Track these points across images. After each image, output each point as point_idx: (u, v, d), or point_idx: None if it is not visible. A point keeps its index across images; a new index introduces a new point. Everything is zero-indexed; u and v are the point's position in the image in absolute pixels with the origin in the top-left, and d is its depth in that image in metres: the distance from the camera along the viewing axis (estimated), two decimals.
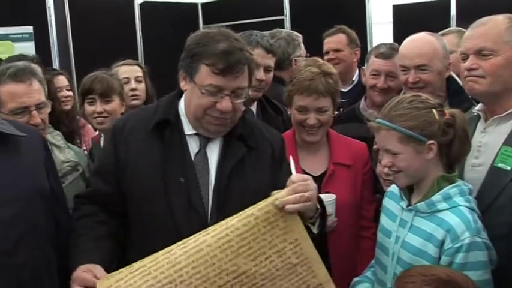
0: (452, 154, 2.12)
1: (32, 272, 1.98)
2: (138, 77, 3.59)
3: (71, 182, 2.62)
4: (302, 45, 3.90)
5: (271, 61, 3.10)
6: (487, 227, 2.05)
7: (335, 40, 4.29)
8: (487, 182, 2.20)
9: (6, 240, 1.91)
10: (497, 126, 2.26)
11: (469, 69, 2.26)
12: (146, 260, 1.90)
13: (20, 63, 2.59)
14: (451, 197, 2.07)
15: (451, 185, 2.09)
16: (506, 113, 2.22)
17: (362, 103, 3.26)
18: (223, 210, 2.10)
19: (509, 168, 2.13)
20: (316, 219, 2.11)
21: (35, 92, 2.48)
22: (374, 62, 3.15)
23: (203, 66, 2.08)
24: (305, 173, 2.62)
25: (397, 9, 7.28)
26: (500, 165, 2.16)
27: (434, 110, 2.08)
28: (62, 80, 3.84)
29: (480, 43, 2.23)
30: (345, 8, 6.64)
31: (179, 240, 1.93)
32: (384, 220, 2.33)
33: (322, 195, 2.52)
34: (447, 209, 2.05)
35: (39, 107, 2.50)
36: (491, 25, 2.24)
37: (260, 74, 2.98)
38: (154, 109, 2.27)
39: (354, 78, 4.31)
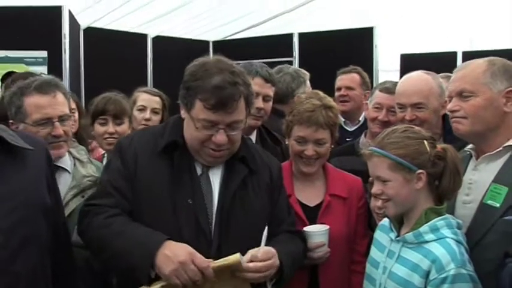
0: (443, 187, 2.16)
1: (28, 281, 1.99)
2: (155, 108, 3.56)
3: None
4: (308, 83, 3.94)
5: (270, 90, 3.17)
6: (476, 263, 2.09)
7: (349, 78, 4.39)
8: (476, 219, 2.23)
9: (6, 249, 1.92)
10: (488, 164, 2.30)
11: (452, 111, 2.34)
12: None
13: (45, 76, 2.67)
14: (438, 228, 2.10)
15: (439, 218, 2.13)
16: (495, 151, 2.28)
17: (362, 138, 3.32)
18: (227, 230, 2.17)
19: (498, 205, 2.16)
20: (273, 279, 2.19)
21: (58, 104, 2.53)
22: (378, 96, 3.23)
23: (197, 100, 2.13)
24: (301, 203, 2.69)
25: (405, 58, 7.43)
26: (489, 202, 2.20)
27: (425, 141, 2.14)
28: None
29: (460, 85, 2.31)
30: (353, 54, 6.75)
31: None
32: (373, 252, 2.36)
33: (316, 226, 2.58)
34: (434, 240, 2.09)
35: (62, 119, 2.53)
36: (470, 68, 2.33)
37: (259, 103, 3.05)
38: (161, 130, 2.31)
39: (360, 119, 4.36)
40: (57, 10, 5.29)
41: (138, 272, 2.01)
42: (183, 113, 2.24)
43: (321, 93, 2.80)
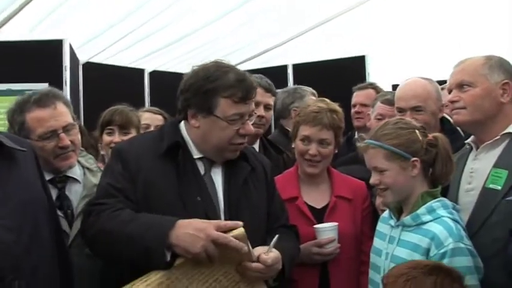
0: (436, 173, 2.27)
1: (43, 276, 2.01)
2: (158, 125, 3.62)
3: None
4: (307, 98, 3.96)
5: (270, 100, 3.34)
6: (480, 246, 2.16)
7: (363, 94, 4.37)
8: (479, 203, 2.32)
9: (19, 245, 1.92)
10: (487, 152, 2.40)
11: (452, 102, 2.47)
12: None
13: (43, 89, 2.63)
14: (434, 209, 2.20)
15: (435, 200, 2.23)
16: (493, 139, 2.38)
17: None
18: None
19: (499, 187, 2.25)
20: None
21: (61, 114, 2.50)
22: (379, 107, 3.38)
23: (221, 99, 2.19)
24: (308, 205, 2.76)
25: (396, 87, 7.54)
26: (491, 186, 2.29)
27: (417, 131, 2.27)
28: None
29: (460, 77, 2.45)
30: (346, 82, 6.89)
31: None
32: (375, 242, 2.45)
33: (325, 224, 2.64)
34: (431, 221, 2.17)
35: (66, 129, 2.50)
36: (469, 62, 2.48)
37: (260, 111, 3.17)
38: (159, 135, 2.36)
39: None
40: (58, 43, 5.40)
41: (154, 254, 2.00)
42: (194, 122, 2.26)
43: (327, 100, 2.90)
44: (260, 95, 3.17)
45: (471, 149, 2.52)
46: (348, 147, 3.86)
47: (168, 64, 7.29)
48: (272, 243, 2.19)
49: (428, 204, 2.21)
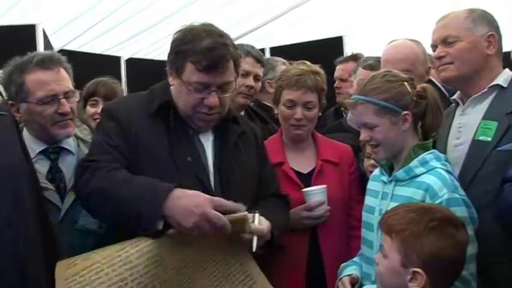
0: (426, 125, 2.23)
1: (26, 242, 1.90)
2: None
3: None
4: (279, 68, 3.75)
5: (260, 70, 3.28)
6: (473, 198, 2.13)
7: (343, 68, 4.23)
8: (469, 155, 2.30)
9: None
10: (475, 106, 2.38)
11: (438, 58, 2.44)
12: (101, 255, 1.94)
13: (46, 52, 2.54)
14: (427, 161, 2.16)
15: (427, 152, 2.19)
16: (481, 92, 2.36)
17: (349, 114, 3.37)
18: (227, 187, 2.19)
19: (489, 139, 2.23)
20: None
21: (63, 79, 2.39)
22: (361, 73, 3.31)
23: (188, 64, 2.13)
24: (294, 171, 2.71)
25: None
26: (481, 138, 2.27)
27: (406, 83, 2.20)
28: None
29: (444, 32, 2.42)
30: (323, 61, 6.86)
31: None
32: (367, 200, 2.40)
33: (313, 187, 2.60)
34: (424, 173, 2.13)
35: (67, 95, 2.39)
36: (451, 16, 2.45)
37: (250, 81, 3.11)
38: (149, 95, 2.31)
39: None
40: (31, 29, 5.28)
41: (146, 221, 1.93)
42: (171, 80, 2.24)
43: (308, 62, 2.85)
44: (251, 65, 3.15)
45: (457, 105, 2.50)
46: (336, 119, 3.84)
47: (145, 51, 7.22)
48: (256, 220, 2.13)
49: (420, 156, 2.17)
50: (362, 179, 2.77)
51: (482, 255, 2.08)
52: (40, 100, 2.33)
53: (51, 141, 2.44)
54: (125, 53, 7.11)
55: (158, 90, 2.31)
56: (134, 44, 7.00)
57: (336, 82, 4.26)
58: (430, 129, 2.23)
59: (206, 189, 2.13)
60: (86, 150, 2.48)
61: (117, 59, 7.08)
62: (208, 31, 2.17)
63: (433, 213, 1.84)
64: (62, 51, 6.46)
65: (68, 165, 2.45)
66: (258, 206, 2.25)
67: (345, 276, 2.36)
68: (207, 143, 2.28)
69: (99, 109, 3.04)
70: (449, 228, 1.80)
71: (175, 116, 2.22)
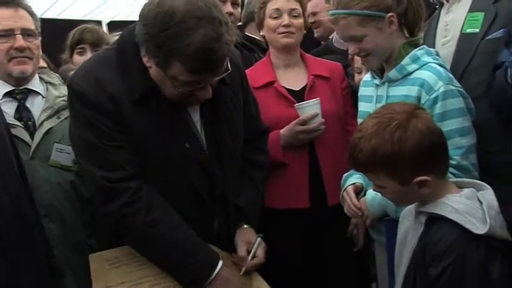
0: (410, 20, 2.18)
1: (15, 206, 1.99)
2: None
3: (66, 117, 2.36)
4: None
5: None
6: (466, 90, 2.12)
7: (312, 4, 3.87)
8: (459, 49, 2.29)
9: None
10: (460, 2, 2.37)
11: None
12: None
13: None
14: (418, 57, 2.14)
15: (417, 48, 2.17)
16: None
17: (335, 36, 3.35)
18: (220, 158, 2.10)
19: (477, 30, 2.22)
20: None
21: (22, 18, 2.36)
22: None
23: (175, 62, 1.80)
24: (286, 89, 2.72)
25: None
26: (468, 30, 2.26)
27: None
28: None
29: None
30: None
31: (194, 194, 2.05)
32: (361, 107, 2.40)
33: (307, 101, 2.60)
34: (417, 69, 2.12)
35: (27, 33, 2.36)
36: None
37: (228, 8, 3.09)
38: (122, 69, 1.95)
39: None
40: None
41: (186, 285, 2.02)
42: (146, 61, 1.89)
43: None
44: None
45: (441, 6, 2.48)
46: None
47: (125, 12, 7.11)
48: (255, 247, 2.15)
49: (411, 53, 2.14)
50: (354, 96, 2.76)
51: (480, 145, 2.09)
52: None
53: (15, 83, 2.43)
54: (104, 17, 7.00)
55: (135, 71, 1.93)
56: (112, 6, 6.90)
57: (309, 18, 4.12)
58: (413, 24, 2.19)
59: (204, 167, 2.06)
60: (53, 91, 2.52)
61: (98, 23, 6.97)
62: (196, 17, 1.76)
63: (389, 119, 1.74)
64: (42, 20, 6.40)
65: (36, 105, 2.47)
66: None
67: (349, 185, 2.37)
68: (196, 112, 2.08)
69: (87, 57, 2.93)
70: (411, 121, 1.72)
71: (161, 100, 1.96)
